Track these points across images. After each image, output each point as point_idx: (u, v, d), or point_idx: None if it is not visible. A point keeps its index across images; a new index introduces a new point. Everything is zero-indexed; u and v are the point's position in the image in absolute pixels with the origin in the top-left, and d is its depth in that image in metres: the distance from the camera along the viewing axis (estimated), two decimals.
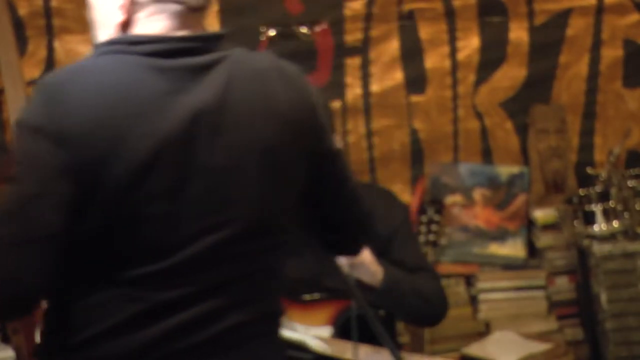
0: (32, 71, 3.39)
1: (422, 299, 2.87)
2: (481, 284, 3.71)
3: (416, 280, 2.88)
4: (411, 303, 2.85)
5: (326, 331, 2.78)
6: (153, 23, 1.80)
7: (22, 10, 3.37)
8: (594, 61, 3.71)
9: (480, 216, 3.74)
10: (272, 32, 3.49)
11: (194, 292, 1.79)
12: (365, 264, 2.74)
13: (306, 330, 2.75)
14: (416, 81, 3.65)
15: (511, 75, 3.69)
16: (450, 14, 3.61)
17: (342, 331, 2.78)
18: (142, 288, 1.76)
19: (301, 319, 2.82)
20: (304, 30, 3.52)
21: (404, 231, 3.05)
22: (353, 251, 2.22)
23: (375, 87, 3.62)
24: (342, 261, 2.68)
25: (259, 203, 1.80)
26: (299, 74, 1.90)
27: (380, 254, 2.98)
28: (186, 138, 1.72)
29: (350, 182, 2.02)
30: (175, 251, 1.75)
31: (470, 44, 3.65)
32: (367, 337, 2.51)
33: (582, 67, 3.71)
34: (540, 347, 3.48)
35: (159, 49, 1.76)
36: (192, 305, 1.79)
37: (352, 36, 3.57)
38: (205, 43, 1.82)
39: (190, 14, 1.83)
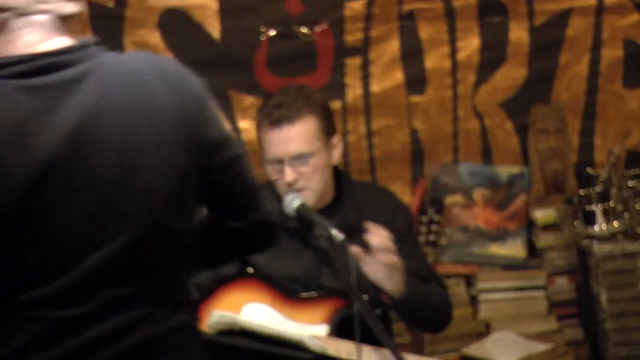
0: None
1: (432, 309, 2.90)
2: (481, 284, 3.71)
3: (429, 291, 2.91)
4: (422, 313, 2.88)
5: (322, 329, 2.79)
6: (22, 39, 1.77)
7: None
8: (594, 61, 3.71)
9: (480, 216, 3.74)
10: (272, 32, 3.50)
11: (97, 307, 1.78)
12: (394, 272, 2.76)
13: (302, 328, 2.75)
14: (416, 81, 3.65)
15: (511, 75, 3.69)
16: (450, 14, 3.61)
17: (338, 330, 2.79)
18: (43, 308, 1.75)
19: (297, 317, 2.82)
20: (304, 30, 3.52)
21: (409, 237, 3.08)
22: (259, 246, 2.17)
23: (375, 87, 3.63)
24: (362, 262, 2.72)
25: (150, 209, 1.78)
26: (180, 70, 1.88)
27: None
28: (66, 156, 1.70)
29: (247, 173, 1.99)
30: (69, 268, 1.75)
31: (470, 44, 3.65)
32: (365, 335, 2.52)
33: (582, 67, 3.71)
34: (540, 347, 3.48)
35: (25, 69, 1.73)
36: (99, 321, 1.78)
37: (352, 36, 3.57)
38: (73, 54, 1.78)
39: (61, 21, 1.81)
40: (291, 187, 2.89)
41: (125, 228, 1.77)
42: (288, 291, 2.90)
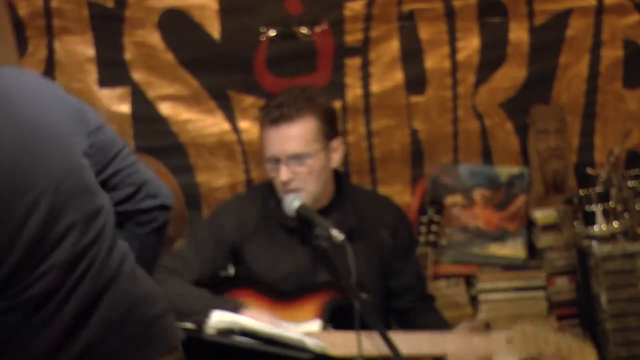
0: (32, 71, 3.39)
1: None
2: (481, 285, 3.71)
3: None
4: None
5: (315, 325, 2.79)
6: None
7: (22, 11, 3.37)
8: (594, 61, 3.71)
9: (480, 217, 3.74)
10: (272, 33, 3.49)
11: (56, 282, 1.86)
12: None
13: (295, 327, 2.76)
14: (416, 82, 3.65)
15: (511, 75, 3.69)
16: (450, 15, 3.61)
17: (331, 321, 2.80)
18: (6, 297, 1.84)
19: (289, 316, 2.82)
20: (304, 30, 3.52)
21: (411, 255, 3.12)
22: (152, 210, 2.17)
23: (375, 88, 3.62)
24: None
25: (54, 171, 1.90)
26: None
27: (383, 258, 3.01)
28: None
29: (117, 136, 2.13)
30: (10, 250, 1.83)
31: (470, 45, 3.65)
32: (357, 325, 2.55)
33: (582, 67, 3.71)
34: None
35: None
36: (66, 298, 1.87)
37: (352, 36, 3.56)
38: None
39: None
40: (286, 186, 2.91)
41: (41, 188, 1.87)
42: (276, 294, 2.91)
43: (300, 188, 2.91)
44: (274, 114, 2.91)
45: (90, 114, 2.07)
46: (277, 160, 2.92)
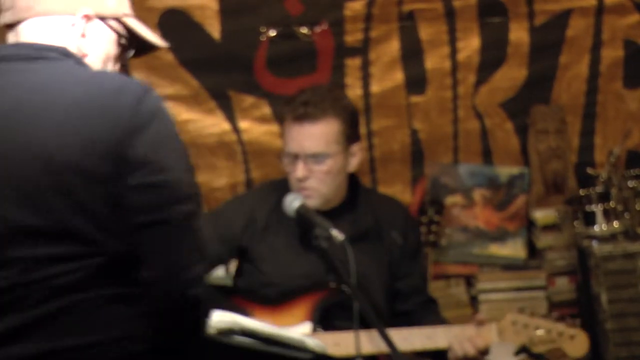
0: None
1: None
2: (481, 285, 3.71)
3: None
4: None
5: (305, 328, 2.79)
6: None
7: None
8: (594, 62, 3.71)
9: (480, 217, 3.74)
10: (272, 33, 3.49)
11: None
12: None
13: (286, 331, 2.76)
14: (416, 82, 3.65)
15: (511, 75, 3.69)
16: (450, 15, 3.61)
17: (322, 323, 2.80)
18: None
19: (279, 321, 2.81)
20: (304, 30, 3.52)
21: (418, 256, 3.11)
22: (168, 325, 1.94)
23: (375, 88, 3.62)
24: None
25: (13, 195, 1.79)
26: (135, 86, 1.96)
27: (393, 259, 3.00)
28: None
29: (171, 206, 1.90)
30: None
31: (470, 45, 3.65)
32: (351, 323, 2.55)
33: (583, 67, 3.71)
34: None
35: None
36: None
37: (352, 37, 3.56)
38: None
39: None
40: (300, 183, 2.91)
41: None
42: (263, 299, 2.91)
43: (314, 188, 2.92)
44: (299, 111, 2.92)
45: (145, 166, 1.77)
46: (295, 157, 2.93)
